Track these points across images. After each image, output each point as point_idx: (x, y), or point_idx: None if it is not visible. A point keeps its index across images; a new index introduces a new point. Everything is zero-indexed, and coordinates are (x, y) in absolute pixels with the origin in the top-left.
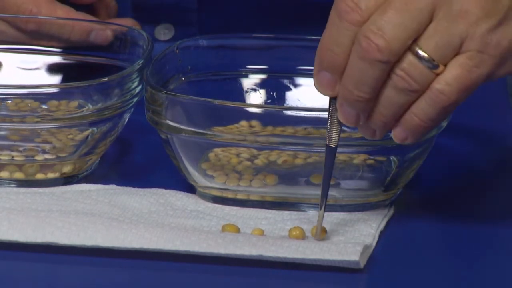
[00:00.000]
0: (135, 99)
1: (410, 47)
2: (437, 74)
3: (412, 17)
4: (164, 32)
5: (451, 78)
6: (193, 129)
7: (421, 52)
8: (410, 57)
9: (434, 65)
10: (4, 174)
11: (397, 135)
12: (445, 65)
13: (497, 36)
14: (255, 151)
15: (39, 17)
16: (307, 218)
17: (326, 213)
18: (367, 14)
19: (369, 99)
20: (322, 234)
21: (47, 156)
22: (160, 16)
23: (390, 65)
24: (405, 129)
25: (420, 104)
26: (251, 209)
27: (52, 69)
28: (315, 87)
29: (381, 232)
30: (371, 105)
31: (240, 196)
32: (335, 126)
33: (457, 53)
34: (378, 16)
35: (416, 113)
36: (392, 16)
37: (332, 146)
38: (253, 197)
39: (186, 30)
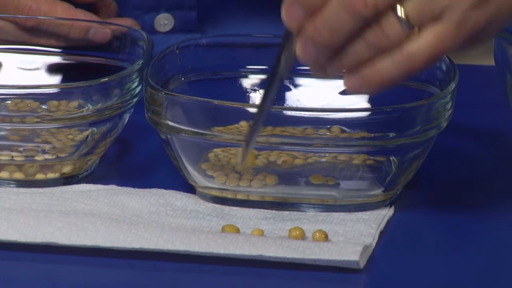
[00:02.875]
0: (135, 99)
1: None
2: (408, 36)
3: None
4: (163, 23)
5: (424, 44)
6: (193, 129)
7: (400, 12)
8: (389, 14)
9: (409, 27)
10: (4, 174)
11: (350, 83)
12: (419, 29)
13: (476, 13)
14: (255, 151)
15: (39, 17)
16: (307, 218)
17: (326, 213)
18: None
19: (337, 46)
20: (321, 237)
21: (47, 156)
22: (160, 1)
23: (369, 20)
24: (362, 80)
25: (385, 62)
26: (251, 209)
27: (52, 69)
28: (282, 16)
29: (381, 232)
30: (334, 50)
31: (240, 196)
32: (290, 57)
33: (434, 20)
34: None
35: (379, 69)
36: None
37: (282, 76)
38: (253, 197)
39: (186, 15)
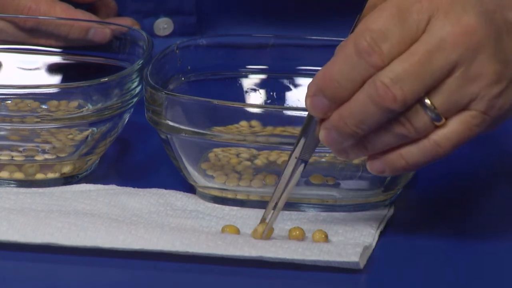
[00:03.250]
0: (135, 99)
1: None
2: (436, 126)
3: (432, 73)
4: (163, 27)
5: (451, 132)
6: (193, 129)
7: (429, 104)
8: (417, 107)
9: (438, 118)
10: (4, 174)
11: (374, 167)
12: (446, 118)
13: (502, 99)
14: (255, 151)
15: (39, 17)
16: (307, 218)
17: (326, 213)
18: (388, 60)
19: (362, 136)
20: (322, 237)
21: (47, 156)
22: (159, 6)
23: (397, 114)
24: (385, 165)
25: (412, 149)
26: (251, 209)
27: (52, 69)
28: (306, 105)
29: (381, 232)
30: (359, 139)
31: (240, 196)
32: (313, 141)
33: (461, 109)
34: (399, 64)
35: (405, 156)
36: (414, 69)
37: (305, 159)
38: (253, 197)
39: (185, 20)
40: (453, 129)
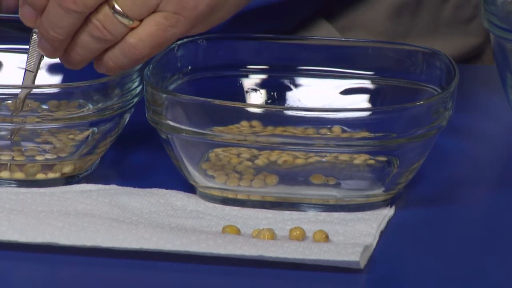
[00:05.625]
0: (135, 99)
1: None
2: (132, 28)
3: None
4: None
5: (145, 34)
6: (193, 129)
7: (117, 7)
8: (106, 9)
9: (128, 20)
10: (5, 174)
11: (97, 68)
12: (140, 20)
13: (192, 0)
14: (255, 151)
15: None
16: (307, 218)
17: (326, 213)
18: None
19: (64, 40)
20: (322, 238)
21: (47, 156)
22: None
23: (85, 15)
24: (102, 67)
25: (115, 52)
26: (251, 209)
27: (52, 69)
28: (20, 16)
29: (381, 232)
30: (66, 44)
31: (240, 196)
32: (35, 53)
33: (153, 11)
34: None
35: (111, 58)
36: None
37: (30, 70)
38: (253, 197)
39: None
40: (146, 30)
